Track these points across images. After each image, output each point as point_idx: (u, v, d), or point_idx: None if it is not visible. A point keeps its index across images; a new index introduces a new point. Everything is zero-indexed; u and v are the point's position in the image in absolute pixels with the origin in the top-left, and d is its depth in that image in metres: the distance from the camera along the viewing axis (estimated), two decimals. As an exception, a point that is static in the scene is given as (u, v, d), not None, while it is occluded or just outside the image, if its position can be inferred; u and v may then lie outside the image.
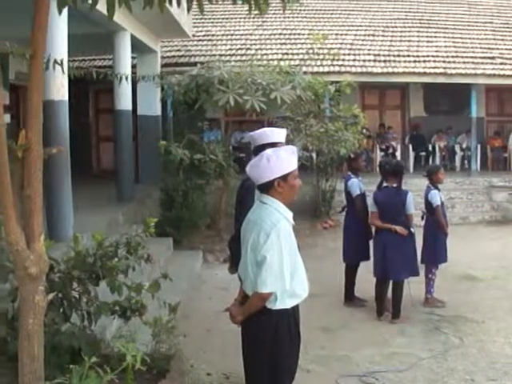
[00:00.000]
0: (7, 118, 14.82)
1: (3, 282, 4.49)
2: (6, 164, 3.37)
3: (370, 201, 8.96)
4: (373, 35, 20.28)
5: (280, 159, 4.31)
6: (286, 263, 4.27)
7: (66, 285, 4.83)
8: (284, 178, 4.33)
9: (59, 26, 8.58)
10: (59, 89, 8.86)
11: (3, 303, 4.51)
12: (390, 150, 19.70)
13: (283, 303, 4.37)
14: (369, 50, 19.14)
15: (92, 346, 4.84)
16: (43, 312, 3.84)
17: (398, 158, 18.43)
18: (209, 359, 7.10)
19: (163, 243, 11.57)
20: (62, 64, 8.05)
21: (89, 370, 3.94)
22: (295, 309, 4.54)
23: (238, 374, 5.87)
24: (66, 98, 9.11)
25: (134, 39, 13.62)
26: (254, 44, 19.54)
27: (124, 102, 13.34)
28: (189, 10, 4.15)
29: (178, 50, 18.91)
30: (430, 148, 20.48)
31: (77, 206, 9.44)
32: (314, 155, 16.39)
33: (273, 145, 5.42)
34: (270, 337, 4.42)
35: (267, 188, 4.38)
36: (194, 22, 18.74)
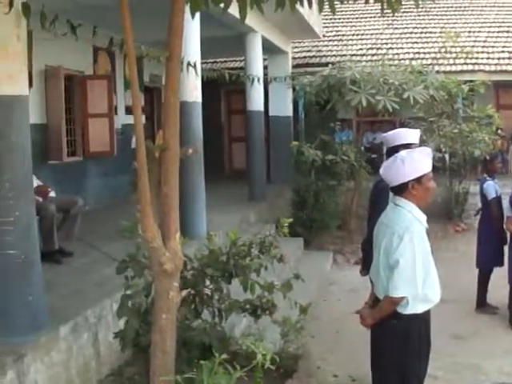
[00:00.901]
0: (142, 118, 15.28)
1: (138, 277, 4.62)
2: (144, 163, 3.47)
3: (505, 204, 8.67)
4: (507, 31, 19.50)
5: (414, 161, 4.25)
6: (418, 267, 4.20)
7: (199, 282, 4.92)
8: (418, 180, 4.26)
9: (192, 30, 8.77)
10: (193, 90, 9.05)
11: (138, 297, 4.64)
12: (526, 152, 18.96)
13: (414, 308, 4.30)
14: (503, 47, 18.39)
15: (222, 342, 4.90)
16: (176, 308, 3.93)
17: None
18: (336, 361, 7.06)
19: (294, 243, 11.62)
20: (195, 66, 8.26)
21: (218, 366, 3.99)
22: (426, 314, 4.47)
23: (364, 377, 5.78)
24: (200, 99, 9.30)
25: (264, 41, 13.76)
26: (385, 43, 19.27)
27: (256, 103, 13.49)
28: (320, 10, 4.14)
29: (309, 51, 18.94)
30: None
31: (209, 205, 9.61)
32: (446, 156, 16.04)
33: (406, 146, 5.33)
34: (399, 341, 4.36)
35: (401, 190, 4.33)
36: (324, 22, 18.70)
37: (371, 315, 4.53)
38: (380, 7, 4.09)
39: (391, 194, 4.58)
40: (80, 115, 12.24)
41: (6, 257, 5.16)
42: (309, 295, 8.02)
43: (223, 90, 20.11)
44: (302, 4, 3.89)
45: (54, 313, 5.58)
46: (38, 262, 5.39)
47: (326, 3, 3.91)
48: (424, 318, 4.44)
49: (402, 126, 14.45)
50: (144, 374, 4.70)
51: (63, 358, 5.46)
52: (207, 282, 5.04)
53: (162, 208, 3.68)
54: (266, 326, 5.65)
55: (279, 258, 5.22)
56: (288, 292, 5.19)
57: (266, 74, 15.02)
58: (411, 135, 5.89)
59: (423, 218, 4.36)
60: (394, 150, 5.39)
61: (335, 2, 3.96)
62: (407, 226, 4.21)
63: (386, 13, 4.16)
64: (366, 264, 6.00)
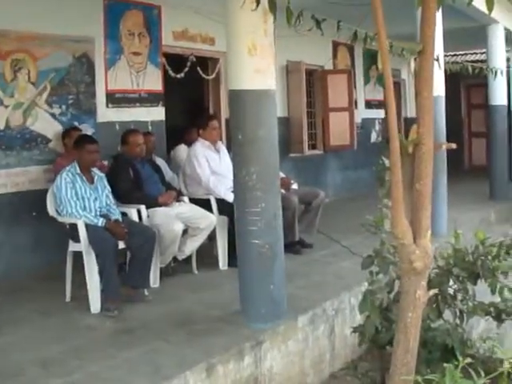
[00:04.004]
0: (381, 112, 15.29)
1: (383, 273, 4.58)
2: (398, 158, 3.43)
3: None
4: None
5: None
6: None
7: (444, 281, 4.80)
8: None
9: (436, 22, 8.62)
10: (436, 84, 8.83)
11: (380, 294, 4.60)
12: None
13: None
14: None
15: (462, 345, 4.76)
16: (422, 307, 3.85)
17: None
18: None
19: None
20: (438, 60, 8.11)
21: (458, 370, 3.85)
22: None
23: None
24: (443, 93, 9.20)
25: (506, 31, 13.31)
26: None
27: (499, 97, 13.10)
28: None
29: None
30: None
31: (448, 202, 9.40)
32: None
33: None
34: None
35: None
36: None
37: None
38: None
39: None
40: (320, 109, 12.49)
41: (251, 246, 5.36)
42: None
43: (463, 84, 19.62)
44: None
45: (293, 302, 5.73)
46: (281, 253, 5.54)
47: None
48: None
49: None
50: (378, 370, 4.68)
51: (299, 347, 5.58)
52: (451, 282, 4.91)
53: (413, 205, 3.61)
54: (505, 331, 5.41)
55: (526, 261, 4.96)
56: (537, 297, 4.93)
57: (508, 67, 14.46)
58: None
59: None
60: None
61: None
62: None
63: None
64: None
